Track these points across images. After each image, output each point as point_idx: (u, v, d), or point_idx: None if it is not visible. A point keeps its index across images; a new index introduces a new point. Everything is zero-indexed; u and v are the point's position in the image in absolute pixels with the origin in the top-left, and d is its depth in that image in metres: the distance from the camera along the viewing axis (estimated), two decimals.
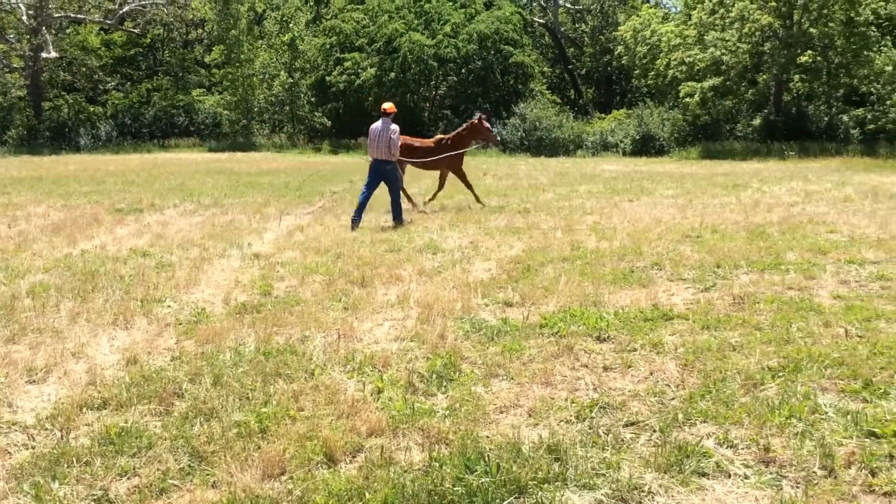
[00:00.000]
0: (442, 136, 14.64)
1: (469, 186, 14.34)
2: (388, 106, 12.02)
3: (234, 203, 15.06)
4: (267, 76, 44.16)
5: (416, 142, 14.30)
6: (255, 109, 44.45)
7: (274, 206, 14.39)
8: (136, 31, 46.05)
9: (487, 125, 14.21)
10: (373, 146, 11.97)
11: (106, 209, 14.01)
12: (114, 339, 5.92)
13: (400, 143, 12.10)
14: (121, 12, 44.08)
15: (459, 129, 14.51)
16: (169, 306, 6.92)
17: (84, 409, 4.53)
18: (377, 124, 11.95)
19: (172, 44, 50.52)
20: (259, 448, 3.98)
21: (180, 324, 6.32)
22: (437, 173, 15.07)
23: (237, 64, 42.84)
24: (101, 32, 46.92)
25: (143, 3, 44.30)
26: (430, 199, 14.50)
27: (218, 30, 44.02)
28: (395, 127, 11.88)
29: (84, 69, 45.29)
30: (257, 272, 8.38)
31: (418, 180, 18.95)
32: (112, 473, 3.76)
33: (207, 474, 3.76)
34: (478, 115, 14.39)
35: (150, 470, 3.79)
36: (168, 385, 4.83)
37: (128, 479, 3.75)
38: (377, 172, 11.98)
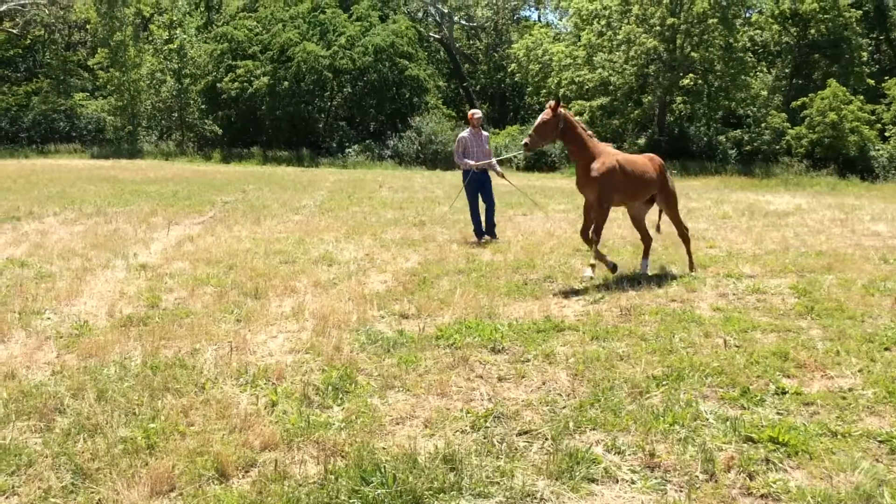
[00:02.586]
0: None
1: None
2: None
3: (118, 212, 14.50)
4: (154, 81, 42.77)
5: None
6: (142, 115, 42.97)
7: (162, 216, 13.95)
8: (14, 31, 43.81)
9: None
10: (472, 157, 11.69)
11: None
12: None
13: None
14: None
15: None
16: (49, 318, 6.61)
17: None
18: (466, 134, 11.75)
19: (54, 46, 48.26)
20: (147, 464, 3.85)
21: (61, 337, 6.04)
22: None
23: (123, 68, 41.30)
24: None
25: (23, 2, 42.19)
26: None
27: (102, 32, 42.34)
28: (485, 135, 11.89)
29: None
30: (144, 283, 8.11)
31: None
32: None
33: (92, 492, 3.61)
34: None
35: (30, 489, 3.61)
36: (49, 400, 4.61)
37: (6, 498, 3.56)
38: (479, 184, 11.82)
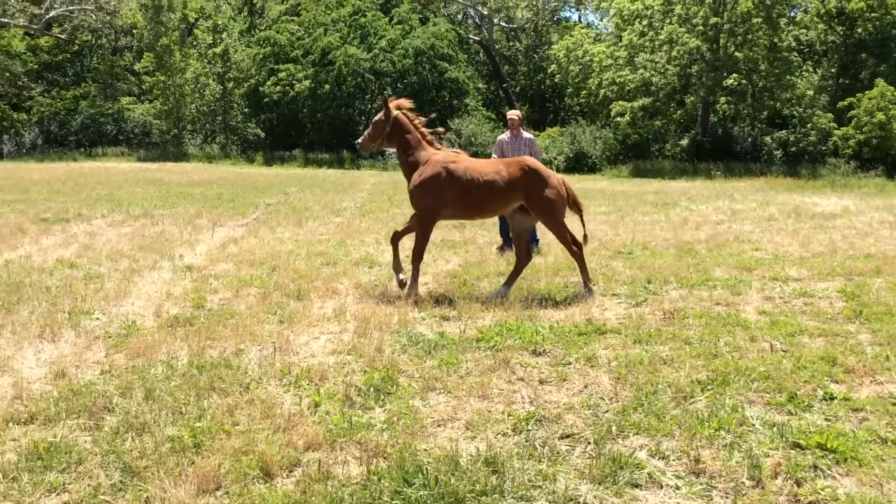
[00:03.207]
0: None
1: None
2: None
3: (164, 214, 14.76)
4: (199, 85, 43.45)
5: None
6: (187, 119, 43.67)
7: (206, 218, 14.16)
8: (62, 36, 44.82)
9: None
10: None
11: (31, 219, 13.57)
12: (40, 352, 5.74)
13: None
14: (47, 17, 42.85)
15: None
16: (98, 319, 6.75)
17: (10, 424, 4.38)
18: (505, 136, 11.07)
19: (101, 50, 49.30)
20: (193, 463, 3.91)
21: (110, 337, 6.16)
22: None
23: (168, 72, 42.03)
24: (27, 37, 45.49)
25: (71, 8, 43.13)
26: None
27: (148, 37, 43.15)
28: (526, 137, 10.98)
29: (8, 74, 43.82)
30: (190, 284, 8.24)
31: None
32: (41, 489, 3.65)
33: (140, 490, 3.68)
34: None
35: (80, 486, 3.69)
36: (98, 399, 4.71)
37: (57, 494, 3.64)
38: None
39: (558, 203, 7.90)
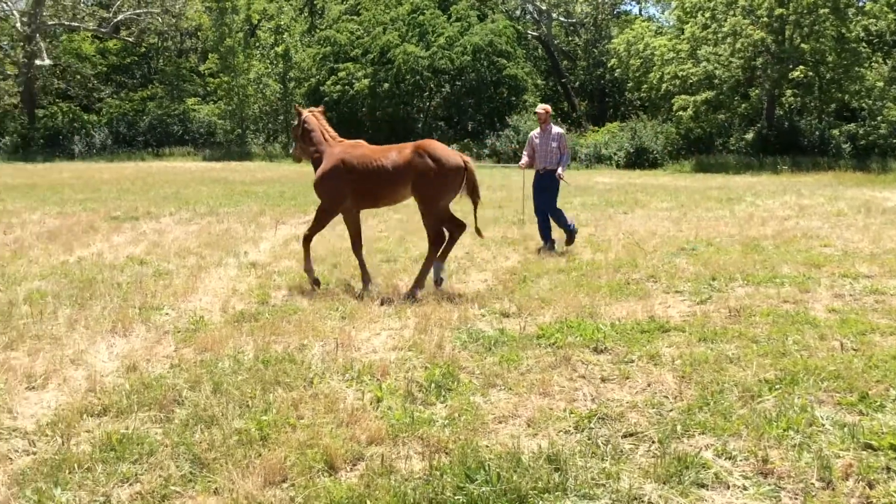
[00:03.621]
0: None
1: None
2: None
3: (229, 212, 15.07)
4: (261, 85, 44.20)
5: None
6: (250, 118, 44.48)
7: (269, 216, 14.40)
8: (130, 39, 46.07)
9: None
10: (539, 156, 10.76)
11: (102, 217, 14.00)
12: (112, 347, 5.93)
13: None
14: (115, 21, 44.10)
15: None
16: (167, 314, 6.93)
17: (84, 416, 4.54)
18: (535, 132, 10.89)
19: (167, 52, 50.55)
20: (260, 455, 3.99)
21: (179, 332, 6.33)
22: None
23: (232, 73, 42.87)
24: (96, 40, 46.91)
25: (138, 11, 44.31)
26: None
27: (213, 39, 44.07)
28: (555, 131, 10.69)
29: (78, 77, 45.33)
30: (254, 281, 8.40)
31: None
32: (114, 480, 3.77)
33: (209, 481, 3.77)
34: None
35: (151, 476, 3.80)
36: (168, 392, 4.84)
37: (130, 485, 3.76)
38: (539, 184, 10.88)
39: (441, 190, 7.72)
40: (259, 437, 4.21)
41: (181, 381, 5.07)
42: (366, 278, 8.08)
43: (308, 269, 8.05)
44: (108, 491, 3.68)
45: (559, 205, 10.86)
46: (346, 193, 7.91)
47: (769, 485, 3.75)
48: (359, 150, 8.06)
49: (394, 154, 7.81)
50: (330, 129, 8.45)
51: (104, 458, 3.96)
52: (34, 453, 4.09)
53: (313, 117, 8.47)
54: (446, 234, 7.92)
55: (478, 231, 8.09)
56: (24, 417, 4.58)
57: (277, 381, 5.06)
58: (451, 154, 7.79)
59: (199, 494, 3.66)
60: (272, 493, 3.68)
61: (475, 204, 7.91)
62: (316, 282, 8.05)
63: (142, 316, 6.79)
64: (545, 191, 10.78)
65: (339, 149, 8.12)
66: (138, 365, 5.44)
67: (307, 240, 8.13)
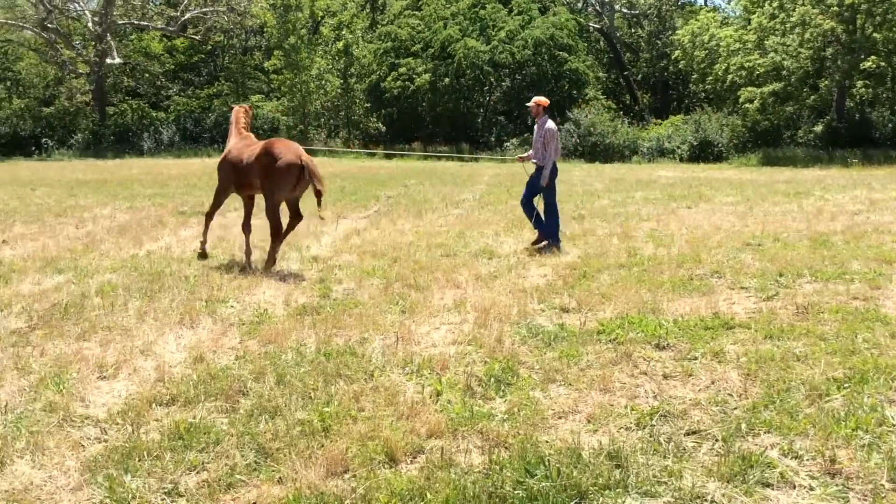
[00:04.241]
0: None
1: None
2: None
3: None
4: (323, 81, 44.71)
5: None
6: (312, 114, 45.04)
7: (330, 210, 14.56)
8: (197, 38, 47.07)
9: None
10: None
11: (169, 212, 14.37)
12: (180, 338, 6.09)
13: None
14: (182, 19, 45.08)
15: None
16: (232, 307, 7.09)
17: (153, 405, 4.68)
18: (553, 124, 10.38)
19: (232, 50, 51.49)
20: (322, 446, 4.06)
21: (243, 324, 6.47)
22: None
23: (295, 70, 43.45)
24: (164, 39, 48.05)
25: (205, 10, 45.22)
26: None
27: (277, 36, 44.73)
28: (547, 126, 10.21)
29: (147, 75, 46.49)
30: (316, 275, 8.52)
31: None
32: (182, 468, 3.88)
33: (273, 470, 3.85)
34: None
35: (218, 465, 3.90)
36: (233, 383, 4.96)
37: (197, 473, 3.86)
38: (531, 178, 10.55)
39: (277, 185, 8.55)
40: (321, 428, 4.28)
41: (246, 373, 5.19)
42: (203, 245, 9.43)
43: (203, 241, 9.44)
44: (176, 478, 3.79)
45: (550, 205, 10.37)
46: (231, 179, 9.13)
47: (837, 485, 3.66)
48: (243, 143, 9.24)
49: (253, 150, 8.81)
50: (243, 123, 9.61)
51: (172, 447, 4.08)
52: (105, 441, 4.24)
53: (236, 112, 9.72)
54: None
55: (321, 217, 8.90)
56: (96, 406, 4.75)
57: (339, 374, 5.14)
58: (287, 152, 8.52)
59: (263, 483, 3.74)
60: (334, 483, 3.74)
61: (319, 195, 8.49)
62: (203, 254, 9.34)
63: (208, 308, 6.96)
64: (528, 185, 10.55)
65: (235, 141, 9.40)
66: (205, 356, 5.58)
67: (209, 216, 9.56)
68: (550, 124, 10.28)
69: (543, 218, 10.39)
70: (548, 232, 10.25)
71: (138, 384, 5.06)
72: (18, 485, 3.75)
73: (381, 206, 15.60)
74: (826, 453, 3.92)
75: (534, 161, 10.43)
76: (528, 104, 10.61)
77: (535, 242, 10.31)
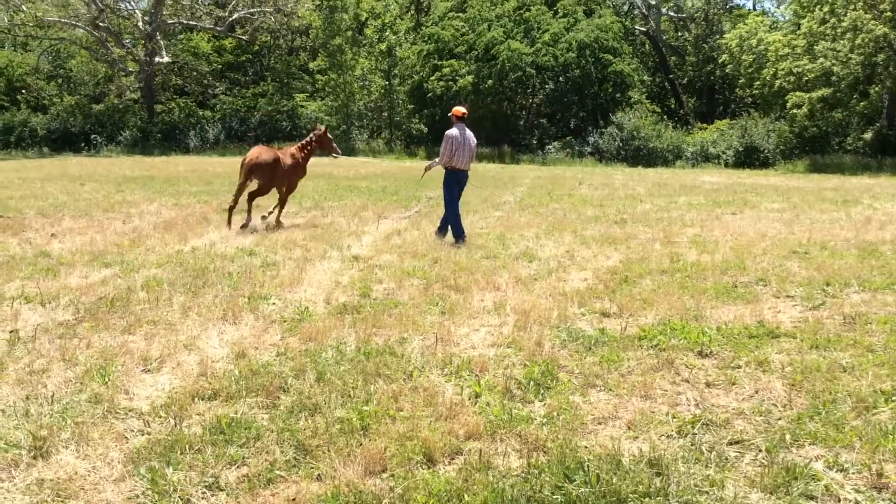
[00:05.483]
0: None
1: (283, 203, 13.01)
2: (463, 110, 11.04)
3: (333, 206, 15.42)
4: (366, 82, 44.97)
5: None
6: (355, 115, 45.32)
7: (372, 210, 14.66)
8: (244, 38, 47.68)
9: (330, 136, 13.29)
10: (465, 155, 10.82)
11: (214, 209, 14.56)
12: (223, 334, 6.16)
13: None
14: (231, 20, 45.71)
15: (307, 140, 13.17)
16: (274, 304, 7.15)
17: (196, 399, 4.74)
18: (454, 131, 10.74)
19: (278, 50, 52.04)
20: (361, 445, 4.08)
21: (285, 321, 6.52)
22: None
23: (339, 70, 43.76)
24: (212, 39, 48.76)
25: (252, 11, 45.80)
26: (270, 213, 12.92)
27: (322, 37, 45.12)
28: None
29: (195, 74, 47.21)
30: (357, 274, 8.56)
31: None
32: (223, 462, 3.93)
33: (312, 467, 3.88)
34: (322, 126, 13.46)
35: (258, 460, 3.93)
36: (274, 379, 5.01)
37: (237, 467, 3.91)
38: (462, 184, 11.18)
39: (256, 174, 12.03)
40: (360, 426, 4.30)
41: (287, 369, 5.24)
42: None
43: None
44: (217, 472, 3.83)
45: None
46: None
47: (884, 500, 3.58)
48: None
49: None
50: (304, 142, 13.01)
51: (213, 441, 4.13)
52: (148, 433, 4.30)
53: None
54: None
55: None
56: (140, 399, 4.83)
57: (378, 373, 5.16)
58: (249, 153, 12.14)
59: (302, 480, 3.77)
60: (372, 482, 3.75)
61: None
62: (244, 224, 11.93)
63: (250, 305, 7.03)
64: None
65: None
66: (247, 352, 5.64)
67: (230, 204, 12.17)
68: (449, 131, 10.83)
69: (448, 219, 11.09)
70: (444, 225, 11.18)
71: (181, 378, 5.14)
72: (63, 474, 3.82)
73: (422, 206, 15.63)
74: (873, 467, 3.83)
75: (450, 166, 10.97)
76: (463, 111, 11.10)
77: (439, 231, 11.25)
